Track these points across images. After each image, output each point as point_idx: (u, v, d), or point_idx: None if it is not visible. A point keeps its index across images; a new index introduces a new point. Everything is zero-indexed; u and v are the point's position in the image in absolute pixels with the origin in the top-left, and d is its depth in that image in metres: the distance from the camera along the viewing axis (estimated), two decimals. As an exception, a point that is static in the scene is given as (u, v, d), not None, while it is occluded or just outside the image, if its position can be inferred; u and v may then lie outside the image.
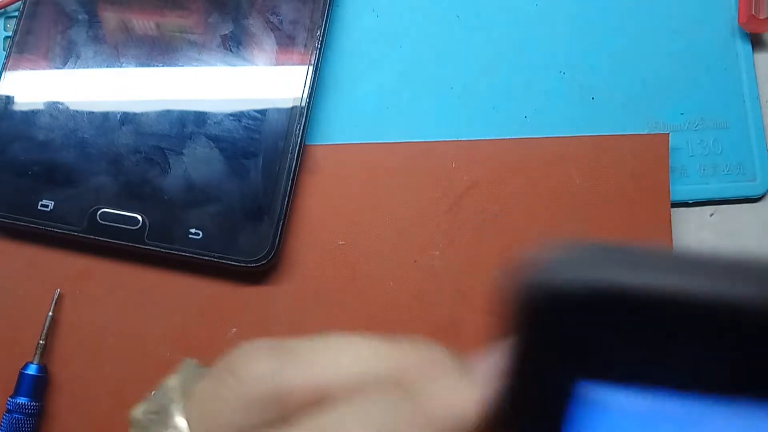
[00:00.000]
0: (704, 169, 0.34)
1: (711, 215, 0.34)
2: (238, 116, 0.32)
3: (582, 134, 0.34)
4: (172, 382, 0.17)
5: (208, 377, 0.16)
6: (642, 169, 0.33)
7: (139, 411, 0.17)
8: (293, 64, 0.33)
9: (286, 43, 0.33)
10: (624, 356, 0.10)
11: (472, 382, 0.15)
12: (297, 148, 0.32)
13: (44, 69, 0.34)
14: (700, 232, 0.34)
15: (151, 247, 0.31)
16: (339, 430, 0.14)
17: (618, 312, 0.10)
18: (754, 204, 0.35)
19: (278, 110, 0.32)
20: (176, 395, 0.16)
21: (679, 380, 0.10)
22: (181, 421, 0.15)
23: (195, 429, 0.15)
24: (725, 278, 0.09)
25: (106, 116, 0.33)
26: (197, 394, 0.16)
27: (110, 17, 0.34)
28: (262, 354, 0.16)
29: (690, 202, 0.34)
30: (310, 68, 0.33)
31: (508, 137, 0.34)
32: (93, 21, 0.34)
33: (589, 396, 0.11)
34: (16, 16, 0.34)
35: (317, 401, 0.15)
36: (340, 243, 0.32)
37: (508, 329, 0.11)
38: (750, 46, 0.35)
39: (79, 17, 0.34)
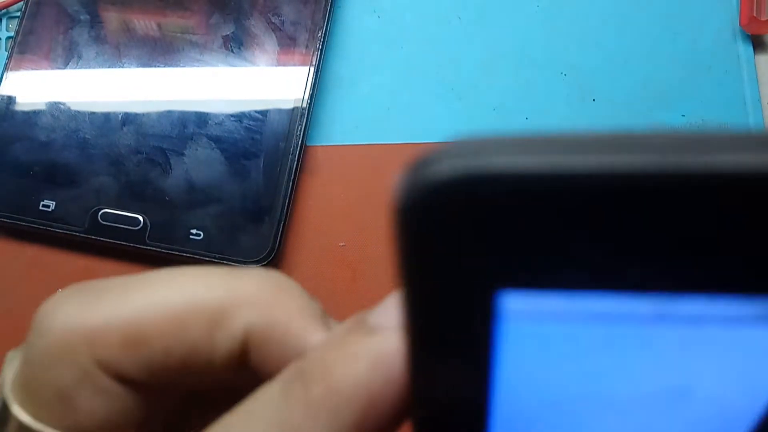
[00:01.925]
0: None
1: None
2: (239, 117, 0.32)
3: (583, 136, 0.34)
4: (3, 374, 0.15)
5: (23, 347, 0.15)
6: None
7: None
8: (294, 65, 0.33)
9: (287, 44, 0.33)
10: (543, 257, 0.08)
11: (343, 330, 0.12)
12: (298, 149, 0.32)
13: (46, 69, 0.34)
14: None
15: (152, 248, 0.31)
16: None
17: (528, 202, 0.08)
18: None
19: (279, 111, 0.32)
20: (9, 384, 0.15)
21: (604, 279, 0.09)
22: (17, 409, 0.14)
23: (25, 406, 0.14)
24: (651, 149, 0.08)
25: (107, 117, 0.33)
26: (18, 370, 0.14)
27: (112, 18, 0.34)
28: (64, 299, 0.14)
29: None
30: (312, 69, 0.33)
31: (509, 138, 0.34)
32: (95, 21, 0.34)
33: (512, 309, 0.09)
34: (18, 17, 0.35)
35: (129, 341, 0.13)
36: (341, 244, 0.32)
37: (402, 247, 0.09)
38: (751, 48, 0.35)
39: (81, 18, 0.34)
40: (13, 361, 0.15)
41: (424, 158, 0.08)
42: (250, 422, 0.12)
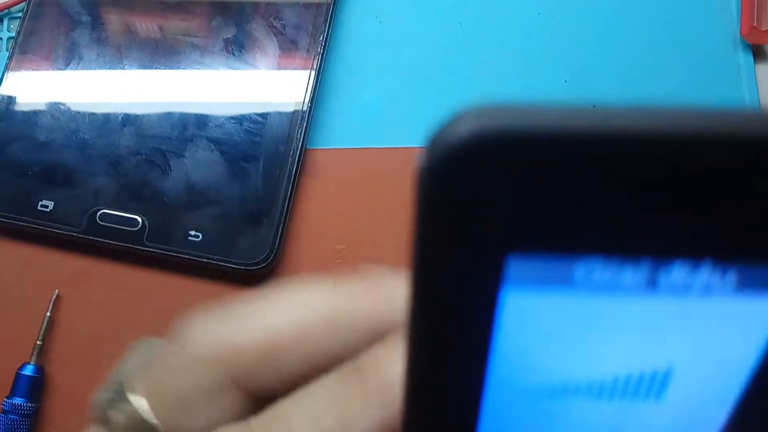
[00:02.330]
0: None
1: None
2: (239, 119, 0.32)
3: (583, 142, 0.34)
4: (130, 360, 0.17)
5: (161, 348, 0.16)
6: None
7: (99, 393, 0.16)
8: (295, 69, 0.33)
9: (288, 47, 0.33)
10: (555, 220, 0.09)
11: None
12: (298, 152, 0.32)
13: (47, 70, 0.34)
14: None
15: (150, 249, 0.31)
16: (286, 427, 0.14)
17: (547, 163, 0.08)
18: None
19: (280, 114, 0.32)
20: (132, 372, 0.16)
21: (607, 243, 0.09)
22: (137, 396, 0.15)
23: (150, 400, 0.15)
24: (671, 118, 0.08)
25: (107, 118, 0.33)
26: (151, 365, 0.16)
27: (113, 19, 0.34)
28: (206, 318, 0.15)
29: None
30: (312, 73, 0.33)
31: (509, 144, 0.34)
32: (96, 23, 0.34)
33: (522, 275, 0.09)
34: (19, 17, 0.35)
35: (264, 354, 0.15)
36: (340, 247, 0.32)
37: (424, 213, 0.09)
38: (752, 58, 0.36)
39: (83, 19, 0.34)
40: (139, 352, 0.16)
41: (444, 121, 0.08)
42: (310, 404, 0.14)
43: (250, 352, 0.15)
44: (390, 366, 0.13)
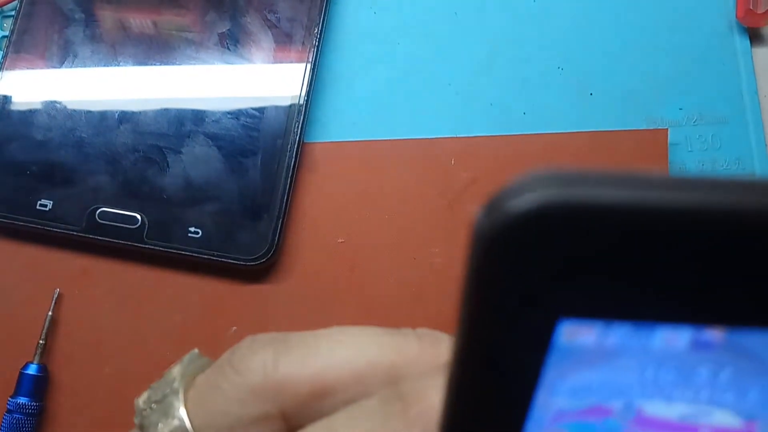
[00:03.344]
0: (703, 165, 0.34)
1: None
2: (236, 114, 0.32)
3: (580, 130, 0.34)
4: (175, 371, 0.17)
5: (210, 368, 0.16)
6: (641, 164, 0.33)
7: (141, 399, 0.17)
8: (291, 62, 0.33)
9: (283, 40, 0.33)
10: (617, 288, 0.09)
11: None
12: (295, 146, 0.32)
13: (41, 68, 0.34)
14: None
15: (150, 246, 0.31)
16: None
17: (612, 233, 0.08)
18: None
19: (276, 108, 0.32)
20: (178, 384, 0.16)
21: (667, 312, 0.09)
22: (181, 410, 0.16)
23: (194, 418, 0.16)
24: (732, 191, 0.08)
25: (104, 115, 0.33)
26: (198, 384, 0.16)
27: (107, 16, 0.34)
28: (261, 346, 0.16)
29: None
30: (308, 66, 0.33)
31: (506, 134, 0.34)
32: (90, 20, 0.34)
33: (572, 338, 0.10)
34: (12, 16, 0.34)
35: (315, 393, 0.15)
36: (340, 241, 0.32)
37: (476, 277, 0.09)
38: (748, 41, 0.35)
39: (76, 16, 0.34)
40: (186, 366, 0.17)
41: (502, 191, 0.09)
42: (355, 425, 0.14)
43: (303, 389, 0.15)
44: (431, 397, 0.14)
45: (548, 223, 0.08)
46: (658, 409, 0.11)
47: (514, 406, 0.11)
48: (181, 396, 0.16)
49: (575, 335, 0.10)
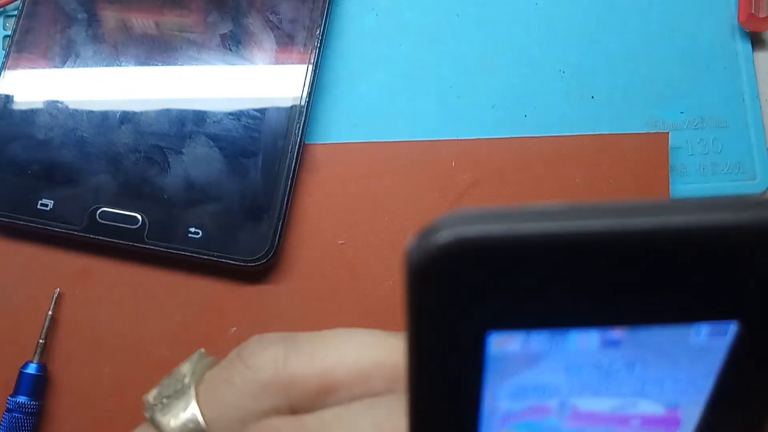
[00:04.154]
0: (704, 168, 0.34)
1: (711, 214, 0.34)
2: (237, 115, 0.32)
3: (582, 133, 0.34)
4: (185, 368, 0.17)
5: (220, 365, 0.17)
6: (642, 168, 0.33)
7: (151, 395, 0.17)
8: (293, 63, 0.33)
9: (285, 42, 0.33)
10: (529, 302, 0.11)
11: None
12: (296, 147, 0.32)
13: (43, 68, 0.34)
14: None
15: (150, 246, 0.31)
16: (337, 425, 0.15)
17: (516, 258, 0.10)
18: (754, 203, 0.34)
19: (278, 109, 0.32)
20: (189, 380, 0.17)
21: (581, 317, 0.11)
22: (192, 404, 0.16)
23: (205, 411, 0.16)
24: (616, 214, 0.10)
25: (105, 115, 0.33)
26: (208, 379, 0.17)
27: (109, 16, 0.34)
28: (271, 343, 0.17)
29: (690, 201, 0.34)
30: (310, 67, 0.33)
31: (508, 136, 0.34)
32: (92, 20, 0.34)
33: (501, 347, 0.11)
34: (15, 15, 0.34)
35: (323, 389, 0.16)
36: (340, 242, 0.32)
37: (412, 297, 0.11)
38: (750, 45, 0.35)
39: (79, 16, 0.34)
40: (195, 363, 0.18)
41: (427, 227, 0.10)
42: (373, 414, 0.15)
43: (312, 385, 0.16)
44: None
45: (462, 253, 0.10)
46: (589, 404, 0.12)
47: (465, 412, 0.12)
48: (192, 391, 0.16)
49: (503, 344, 0.11)
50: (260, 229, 0.31)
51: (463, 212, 0.10)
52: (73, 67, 0.34)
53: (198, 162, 0.32)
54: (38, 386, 0.30)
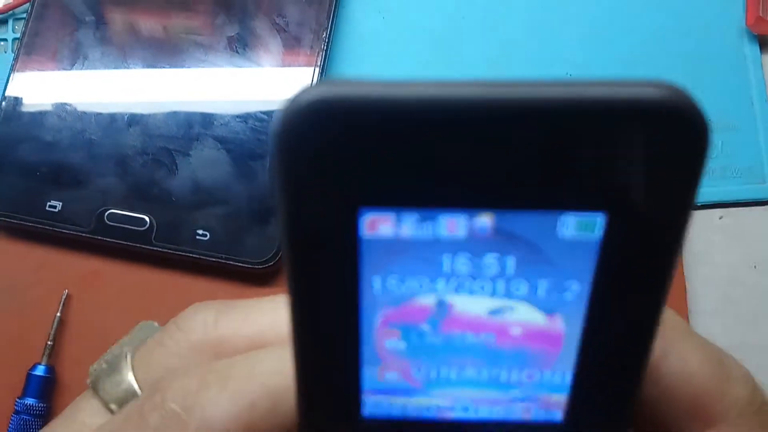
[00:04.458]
0: (713, 172, 0.34)
1: (720, 218, 0.34)
2: (244, 118, 0.32)
3: (589, 136, 0.33)
4: (126, 338, 0.18)
5: (159, 331, 0.18)
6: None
7: (95, 364, 0.18)
8: (299, 66, 0.33)
9: (292, 44, 0.33)
10: (396, 178, 0.11)
11: None
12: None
13: (52, 70, 0.34)
14: (709, 235, 0.34)
15: (158, 248, 0.31)
16: (252, 368, 0.15)
17: (379, 122, 0.10)
18: (764, 207, 0.34)
19: (285, 112, 0.32)
20: (126, 347, 0.17)
21: (454, 196, 0.11)
22: (127, 367, 0.17)
23: (137, 372, 0.17)
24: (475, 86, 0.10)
25: (113, 117, 0.33)
26: (146, 344, 0.17)
27: (117, 19, 0.34)
28: (204, 308, 0.17)
29: (699, 204, 0.34)
30: (316, 70, 0.33)
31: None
32: (100, 23, 0.34)
33: (374, 231, 0.11)
34: (24, 18, 0.35)
35: (253, 349, 0.16)
36: (347, 244, 0.32)
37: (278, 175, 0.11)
38: (758, 48, 0.35)
39: (87, 19, 0.34)
40: (139, 332, 0.18)
41: (294, 93, 0.10)
42: (276, 358, 0.15)
43: (240, 346, 0.16)
44: None
45: (324, 111, 0.10)
46: (465, 304, 0.12)
47: (344, 306, 0.12)
48: (129, 355, 0.17)
49: (376, 227, 0.11)
50: (268, 232, 0.31)
51: (330, 80, 0.10)
52: (81, 69, 0.34)
53: (205, 164, 0.32)
54: (46, 388, 0.30)
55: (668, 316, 0.15)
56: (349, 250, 0.11)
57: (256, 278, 0.32)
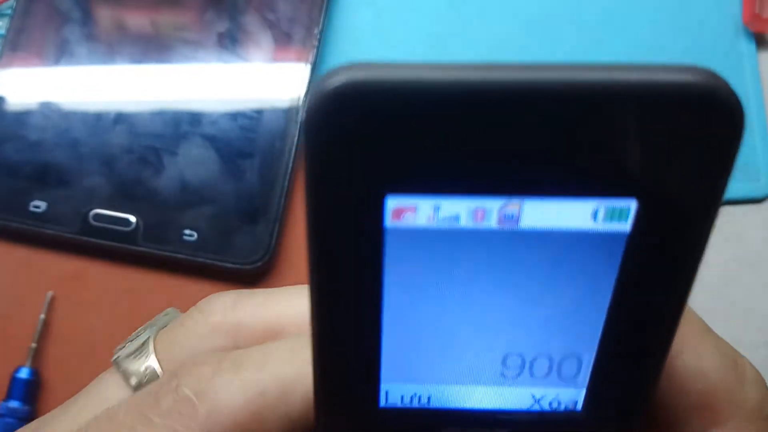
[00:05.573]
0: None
1: (714, 217, 0.34)
2: (234, 116, 0.32)
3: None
4: (150, 321, 0.19)
5: (182, 315, 0.19)
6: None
7: (120, 347, 0.19)
8: (290, 62, 0.33)
9: (283, 40, 0.33)
10: (423, 163, 0.10)
11: None
12: (294, 149, 0.31)
13: (37, 67, 0.33)
14: (703, 234, 0.34)
15: (144, 249, 0.30)
16: (265, 357, 0.16)
17: (405, 106, 0.10)
18: (758, 205, 0.34)
19: (275, 109, 0.32)
20: (151, 330, 0.19)
21: (471, 183, 0.11)
22: (150, 347, 0.18)
23: (159, 351, 0.18)
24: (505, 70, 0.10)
25: (99, 116, 0.32)
26: (169, 326, 0.18)
27: (104, 15, 0.34)
28: (226, 294, 0.18)
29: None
30: (308, 66, 0.32)
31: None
32: (87, 19, 0.34)
33: (399, 219, 0.11)
34: (9, 14, 0.34)
35: (268, 333, 0.17)
36: (338, 245, 0.32)
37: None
38: (754, 45, 0.35)
39: (73, 15, 0.34)
40: (164, 317, 0.20)
41: (322, 76, 0.10)
42: (290, 349, 0.16)
43: (257, 330, 0.17)
44: None
45: (353, 96, 0.10)
46: (489, 294, 0.12)
47: (368, 293, 0.12)
48: (152, 336, 0.18)
49: (401, 216, 0.11)
50: (256, 232, 0.30)
51: (359, 62, 0.10)
52: (67, 66, 0.33)
53: (193, 163, 0.31)
54: (31, 391, 0.30)
55: (686, 313, 0.15)
56: (374, 236, 0.11)
57: (245, 279, 0.31)
